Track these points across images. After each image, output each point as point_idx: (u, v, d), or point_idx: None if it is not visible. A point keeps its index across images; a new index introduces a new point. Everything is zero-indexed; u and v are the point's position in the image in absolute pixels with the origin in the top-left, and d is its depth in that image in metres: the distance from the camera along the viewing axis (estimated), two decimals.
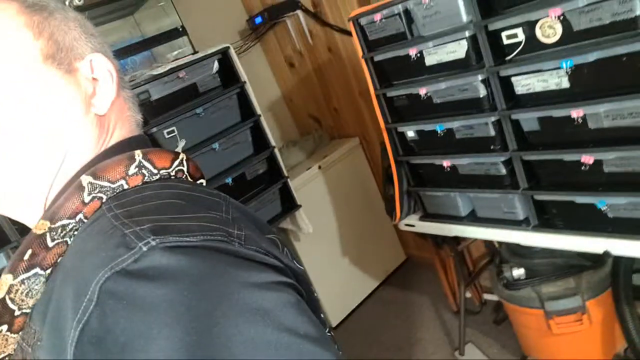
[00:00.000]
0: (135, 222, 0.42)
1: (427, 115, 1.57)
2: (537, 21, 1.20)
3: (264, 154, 2.07)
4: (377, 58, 1.60)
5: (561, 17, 1.16)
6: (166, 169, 0.54)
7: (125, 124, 0.59)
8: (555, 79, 1.24)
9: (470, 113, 1.45)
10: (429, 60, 1.48)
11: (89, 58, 0.55)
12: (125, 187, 0.50)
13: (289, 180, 2.14)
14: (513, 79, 1.33)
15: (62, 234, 0.47)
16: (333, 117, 2.88)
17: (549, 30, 1.18)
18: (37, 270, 0.46)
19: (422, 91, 1.52)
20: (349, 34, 2.30)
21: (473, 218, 1.66)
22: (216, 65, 1.97)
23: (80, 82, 0.54)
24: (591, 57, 1.15)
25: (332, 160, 2.64)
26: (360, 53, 1.64)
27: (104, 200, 0.49)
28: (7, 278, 0.45)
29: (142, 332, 0.36)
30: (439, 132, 1.56)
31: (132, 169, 0.51)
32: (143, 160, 0.51)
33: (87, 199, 0.48)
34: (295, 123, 3.16)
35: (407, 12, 1.46)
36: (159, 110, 1.83)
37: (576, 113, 1.23)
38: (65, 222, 0.47)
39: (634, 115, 1.14)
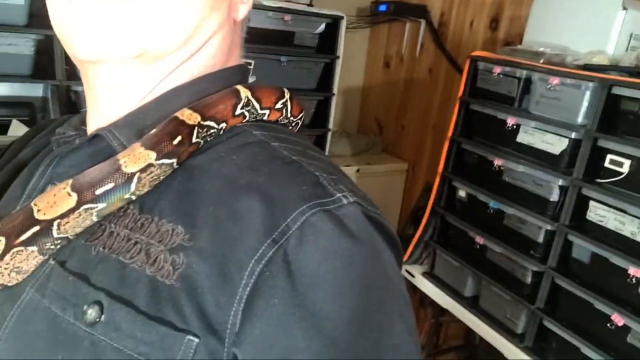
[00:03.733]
0: (318, 167, 0.42)
1: (489, 186, 1.48)
2: None
3: (317, 131, 2.01)
4: (474, 107, 1.52)
5: None
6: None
7: (240, 46, 0.56)
8: (633, 228, 1.14)
9: (530, 208, 1.36)
10: (522, 138, 1.39)
11: None
12: (265, 118, 0.49)
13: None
14: (592, 202, 1.23)
15: (203, 134, 0.43)
16: (396, 132, 2.79)
17: None
18: (174, 160, 0.41)
19: (497, 162, 1.43)
20: (458, 68, 2.22)
21: (473, 303, 1.57)
22: (322, 27, 1.90)
23: None
24: None
25: (372, 171, 2.57)
26: (460, 93, 1.55)
27: (246, 119, 0.47)
28: (149, 155, 0.39)
29: (330, 282, 0.36)
30: (490, 208, 1.47)
31: (279, 104, 0.50)
32: (288, 100, 0.51)
33: (238, 111, 0.45)
34: (359, 117, 3.09)
35: (528, 80, 1.37)
36: (249, 38, 1.78)
37: (634, 272, 1.13)
38: (212, 124, 0.44)
39: None
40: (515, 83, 1.39)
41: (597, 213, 1.22)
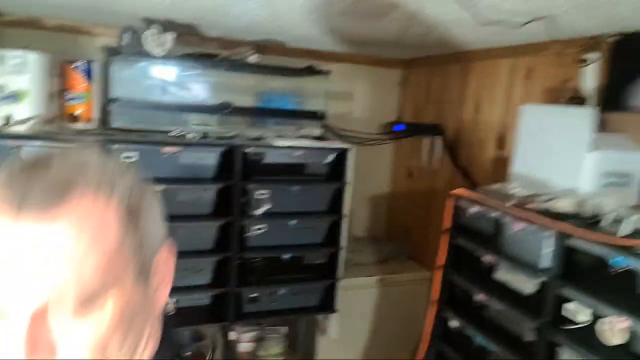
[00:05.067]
0: None
1: (471, 317, 1.53)
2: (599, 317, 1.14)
3: (329, 249, 2.14)
4: (457, 241, 1.61)
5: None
6: None
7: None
8: None
9: (507, 345, 1.40)
10: (499, 275, 1.45)
11: (162, 252, 0.62)
12: None
13: (338, 282, 2.18)
14: (559, 348, 1.26)
15: None
16: (420, 240, 2.87)
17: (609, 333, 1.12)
18: None
19: (479, 297, 1.50)
20: (472, 182, 2.31)
21: None
22: (330, 158, 2.10)
23: None
24: None
25: (394, 280, 2.62)
26: (445, 225, 1.66)
27: None
28: None
29: None
30: (475, 342, 1.51)
31: None
32: None
33: None
34: (387, 224, 3.20)
35: (498, 223, 1.46)
36: (264, 173, 1.99)
37: None
38: None
39: None
40: (491, 223, 1.48)
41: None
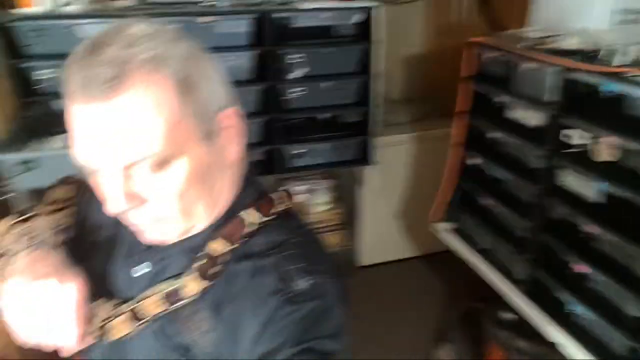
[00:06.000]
0: (290, 261, 0.65)
1: (486, 153, 1.72)
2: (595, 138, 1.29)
3: (360, 109, 2.31)
4: (473, 86, 1.74)
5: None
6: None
7: (240, 174, 0.74)
8: (587, 192, 1.34)
9: (517, 173, 1.59)
10: (510, 114, 1.59)
11: (225, 113, 0.66)
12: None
13: (372, 138, 2.38)
14: (558, 170, 1.43)
15: (229, 253, 0.66)
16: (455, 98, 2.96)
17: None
18: (214, 280, 0.66)
19: (490, 134, 1.66)
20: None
21: (486, 255, 1.84)
22: (355, 18, 2.17)
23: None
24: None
25: (429, 136, 2.76)
26: (462, 73, 1.77)
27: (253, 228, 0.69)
28: (203, 282, 0.65)
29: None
30: (490, 174, 1.71)
31: (273, 210, 0.71)
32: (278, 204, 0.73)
33: (247, 230, 0.67)
34: (422, 84, 3.27)
35: (509, 65, 1.56)
36: (294, 36, 2.12)
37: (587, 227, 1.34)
38: (236, 245, 0.66)
39: None
40: (503, 65, 1.59)
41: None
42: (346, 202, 2.81)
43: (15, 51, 1.80)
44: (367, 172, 2.55)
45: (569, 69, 1.33)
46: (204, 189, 0.64)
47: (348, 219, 2.84)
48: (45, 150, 1.71)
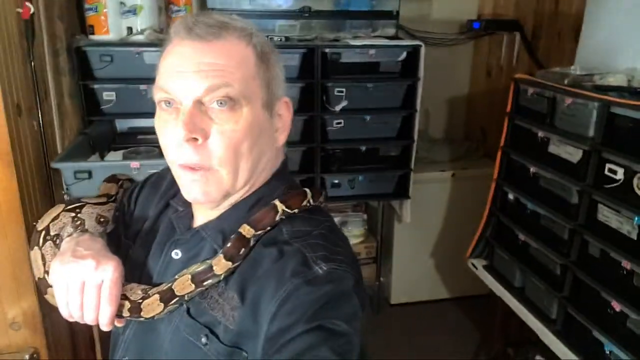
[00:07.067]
0: (313, 248, 0.68)
1: (526, 188, 1.71)
2: (636, 173, 1.28)
3: (402, 142, 2.36)
4: (517, 122, 1.76)
5: None
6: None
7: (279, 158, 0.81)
8: (628, 227, 1.32)
9: (555, 209, 1.57)
10: (552, 149, 1.60)
11: (283, 100, 0.76)
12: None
13: (412, 173, 2.41)
14: (600, 205, 1.41)
15: (256, 239, 0.71)
16: (499, 140, 2.97)
17: None
18: (239, 262, 0.70)
19: (532, 169, 1.66)
20: None
21: (520, 293, 1.80)
22: (404, 55, 2.25)
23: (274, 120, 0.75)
24: None
25: (467, 176, 2.78)
26: (508, 108, 1.80)
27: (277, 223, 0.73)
28: (229, 264, 0.68)
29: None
30: (528, 209, 1.70)
31: (304, 203, 0.75)
32: (310, 198, 0.77)
33: (277, 218, 0.72)
34: (465, 125, 3.30)
35: (554, 100, 1.58)
36: (342, 71, 2.21)
37: (626, 264, 1.31)
38: (261, 232, 0.71)
39: None
40: (545, 102, 1.61)
41: (605, 215, 1.40)
42: (379, 235, 2.82)
43: (87, 73, 1.96)
44: (403, 208, 2.56)
45: (613, 104, 1.34)
46: (253, 152, 0.71)
47: (380, 254, 2.84)
48: (101, 162, 1.82)
